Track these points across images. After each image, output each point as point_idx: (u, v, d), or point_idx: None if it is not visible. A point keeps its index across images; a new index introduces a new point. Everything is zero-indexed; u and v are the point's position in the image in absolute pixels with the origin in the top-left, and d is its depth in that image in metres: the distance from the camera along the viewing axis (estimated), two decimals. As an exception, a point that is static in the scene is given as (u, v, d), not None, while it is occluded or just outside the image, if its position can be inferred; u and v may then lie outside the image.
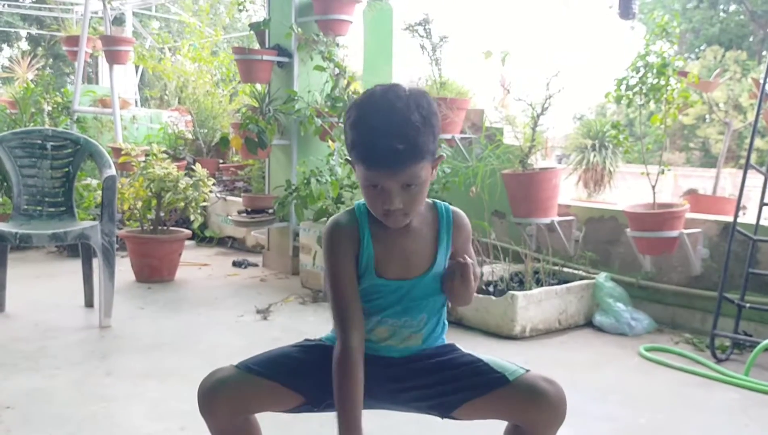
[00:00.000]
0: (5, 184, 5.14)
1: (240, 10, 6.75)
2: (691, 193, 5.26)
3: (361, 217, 1.51)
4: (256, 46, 5.18)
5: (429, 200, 1.56)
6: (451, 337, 1.65)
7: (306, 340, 1.63)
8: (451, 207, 1.58)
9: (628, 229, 3.72)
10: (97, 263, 3.58)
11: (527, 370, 1.48)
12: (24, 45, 18.38)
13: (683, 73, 3.82)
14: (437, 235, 1.53)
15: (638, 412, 2.60)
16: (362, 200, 1.52)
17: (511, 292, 3.48)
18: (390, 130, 1.35)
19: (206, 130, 6.91)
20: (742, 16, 19.68)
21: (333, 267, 1.50)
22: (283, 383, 1.50)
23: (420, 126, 1.37)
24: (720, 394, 2.81)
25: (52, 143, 3.87)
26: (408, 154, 1.36)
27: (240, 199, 5.26)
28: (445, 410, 1.52)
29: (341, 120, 4.43)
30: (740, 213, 3.40)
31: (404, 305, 1.52)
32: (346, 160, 1.54)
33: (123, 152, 5.07)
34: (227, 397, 1.47)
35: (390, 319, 1.53)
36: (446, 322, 1.63)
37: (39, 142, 3.86)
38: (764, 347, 2.99)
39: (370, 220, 1.51)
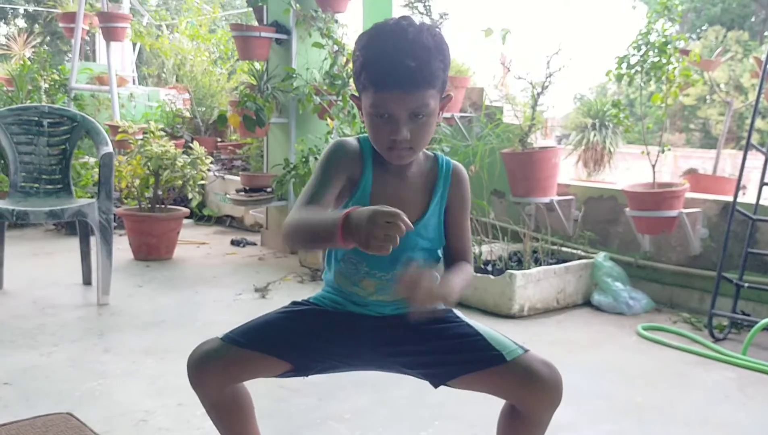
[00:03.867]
0: (2, 161, 5.12)
1: (238, -13, 6.68)
2: (691, 173, 5.24)
3: (365, 148, 1.48)
4: (254, 23, 5.13)
5: (430, 152, 1.54)
6: (449, 314, 1.64)
7: (293, 302, 1.61)
8: (453, 161, 1.55)
9: (627, 209, 3.71)
10: (94, 241, 3.57)
11: (526, 350, 1.45)
12: (21, 22, 18.26)
13: (685, 52, 3.79)
14: (434, 185, 1.51)
15: (635, 390, 2.61)
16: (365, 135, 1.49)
17: (509, 271, 3.47)
18: (403, 48, 1.33)
19: (204, 109, 6.88)
20: (744, -4, 19.53)
21: (321, 175, 1.44)
22: (270, 353, 1.50)
23: (432, 49, 1.35)
24: (717, 373, 2.82)
25: (48, 120, 3.85)
26: (419, 75, 1.33)
27: (238, 178, 5.24)
28: (437, 380, 1.51)
29: (340, 98, 4.41)
30: (740, 193, 3.39)
31: (393, 255, 1.46)
32: (352, 96, 1.50)
33: (120, 130, 5.04)
34: (215, 369, 1.47)
35: (378, 271, 1.50)
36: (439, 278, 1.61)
37: (35, 118, 3.83)
38: (762, 327, 2.99)
39: (373, 154, 1.48)
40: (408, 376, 1.59)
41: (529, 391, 1.41)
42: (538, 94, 3.97)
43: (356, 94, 1.47)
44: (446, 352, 1.47)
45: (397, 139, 1.37)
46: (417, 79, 1.34)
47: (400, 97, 1.35)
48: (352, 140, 1.51)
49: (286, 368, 1.51)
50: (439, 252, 1.57)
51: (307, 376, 1.55)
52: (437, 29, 1.41)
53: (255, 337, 1.50)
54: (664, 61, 3.62)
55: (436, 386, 1.53)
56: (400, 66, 1.32)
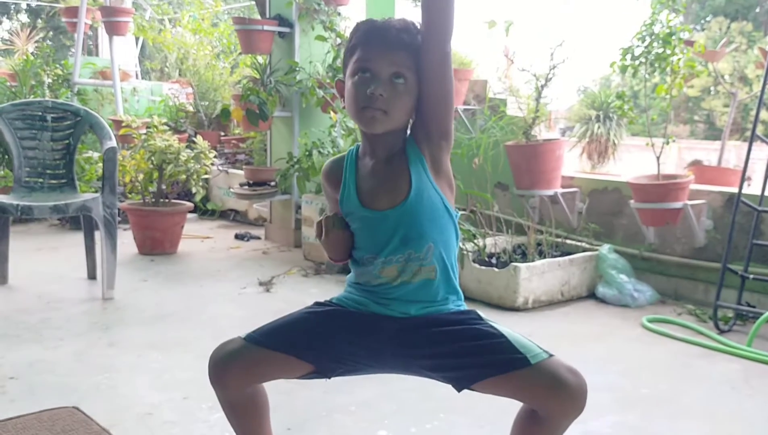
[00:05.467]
0: (6, 156, 5.13)
1: (240, -20, 6.67)
2: (696, 165, 5.23)
3: (349, 155, 1.57)
4: (257, 16, 5.12)
5: (408, 135, 1.56)
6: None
7: (316, 303, 1.60)
8: None
9: (631, 201, 3.70)
10: (99, 236, 3.58)
11: (551, 355, 1.41)
12: (24, 17, 18.27)
13: (689, 43, 3.77)
14: (408, 158, 1.51)
15: (640, 382, 2.61)
16: (354, 146, 1.59)
17: (513, 263, 3.47)
18: (390, 21, 1.49)
19: (207, 103, 6.88)
20: (748, -13, 19.43)
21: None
22: (292, 354, 1.50)
23: (414, 31, 1.47)
24: (722, 365, 2.82)
25: (52, 115, 3.85)
26: (404, 35, 1.45)
27: (242, 172, 5.24)
28: (461, 384, 1.48)
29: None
30: (745, 184, 3.38)
31: (402, 235, 1.48)
32: (337, 81, 1.58)
33: (124, 124, 5.04)
34: (238, 369, 1.48)
35: (393, 256, 1.49)
36: (455, 265, 1.57)
37: (39, 113, 3.84)
38: (767, 318, 2.98)
39: (356, 157, 1.56)
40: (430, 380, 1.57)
41: (554, 399, 1.38)
42: (542, 86, 3.96)
43: (343, 79, 1.54)
44: (469, 353, 1.45)
45: (375, 93, 1.42)
46: (402, 38, 1.45)
47: (383, 53, 1.45)
48: (338, 156, 1.60)
49: (309, 369, 1.51)
50: (455, 217, 1.54)
51: (329, 377, 1.55)
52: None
53: (278, 338, 1.51)
54: (668, 52, 3.60)
55: (459, 390, 1.49)
56: (386, 29, 1.46)
